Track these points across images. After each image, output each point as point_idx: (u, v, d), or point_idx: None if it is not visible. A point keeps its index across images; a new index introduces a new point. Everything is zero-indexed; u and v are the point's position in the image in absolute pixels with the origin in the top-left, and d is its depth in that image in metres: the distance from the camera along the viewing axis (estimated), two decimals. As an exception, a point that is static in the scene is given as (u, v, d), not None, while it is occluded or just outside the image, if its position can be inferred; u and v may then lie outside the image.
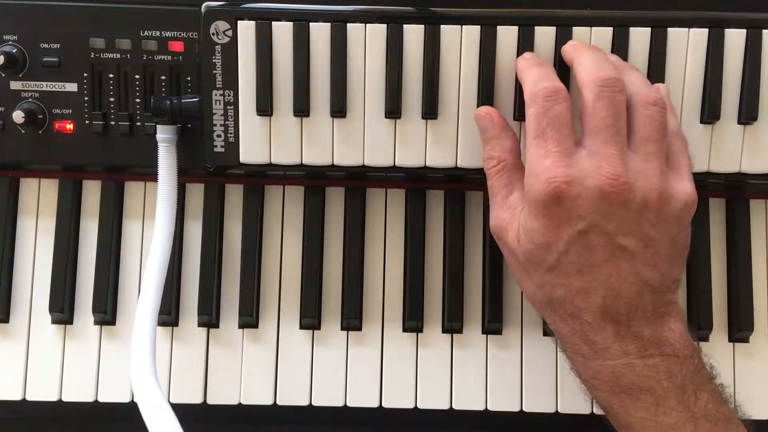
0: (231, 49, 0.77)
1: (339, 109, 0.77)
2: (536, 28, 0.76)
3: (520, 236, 0.69)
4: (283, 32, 0.76)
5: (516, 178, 0.72)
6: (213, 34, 0.76)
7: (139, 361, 0.72)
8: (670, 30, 0.76)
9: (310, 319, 0.83)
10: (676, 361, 0.67)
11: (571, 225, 0.66)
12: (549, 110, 0.67)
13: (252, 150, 0.78)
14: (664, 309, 0.68)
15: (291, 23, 0.76)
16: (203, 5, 0.77)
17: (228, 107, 0.77)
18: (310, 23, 0.76)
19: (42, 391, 0.83)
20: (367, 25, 0.76)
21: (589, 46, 0.73)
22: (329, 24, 0.76)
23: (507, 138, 0.74)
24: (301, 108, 0.77)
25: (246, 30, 0.76)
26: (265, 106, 0.77)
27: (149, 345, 0.73)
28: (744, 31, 0.75)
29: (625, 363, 0.66)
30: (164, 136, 0.78)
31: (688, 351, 0.68)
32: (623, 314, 0.67)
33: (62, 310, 0.83)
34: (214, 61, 0.77)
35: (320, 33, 0.76)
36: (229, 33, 0.77)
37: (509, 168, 0.73)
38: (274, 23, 0.76)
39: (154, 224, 0.78)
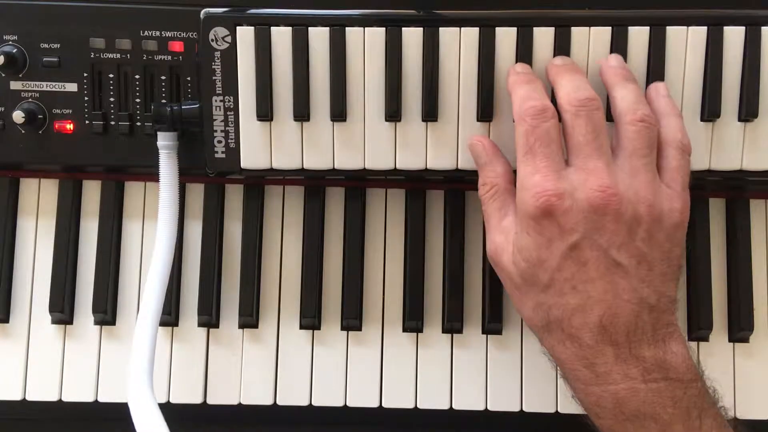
0: (230, 55, 0.77)
1: (339, 113, 0.77)
2: (535, 29, 0.76)
3: (514, 256, 0.69)
4: (282, 37, 0.76)
5: (509, 201, 0.73)
6: (212, 40, 0.77)
7: (135, 377, 0.72)
8: (669, 28, 0.76)
9: (310, 319, 0.82)
10: (681, 386, 0.66)
11: (562, 239, 0.66)
12: (537, 128, 0.68)
13: (253, 155, 0.78)
14: (664, 330, 0.67)
15: (290, 28, 0.76)
16: (202, 12, 0.77)
17: (228, 113, 0.77)
18: (309, 28, 0.76)
19: (42, 391, 0.83)
20: (366, 29, 0.76)
21: (568, 68, 0.74)
22: (328, 28, 0.76)
23: (498, 164, 0.74)
24: (301, 113, 0.77)
25: (245, 36, 0.76)
26: (265, 112, 0.77)
27: (147, 360, 0.73)
28: (743, 28, 0.75)
29: (628, 388, 0.66)
30: (165, 142, 0.78)
31: (692, 375, 0.67)
32: (622, 334, 0.66)
33: (62, 310, 0.83)
34: (213, 67, 0.77)
35: (319, 37, 0.76)
36: (228, 39, 0.77)
37: (501, 192, 0.73)
38: (273, 28, 0.76)
39: (154, 224, 0.78)
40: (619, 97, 0.70)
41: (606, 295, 0.66)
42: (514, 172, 0.73)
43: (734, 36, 0.75)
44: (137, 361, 0.73)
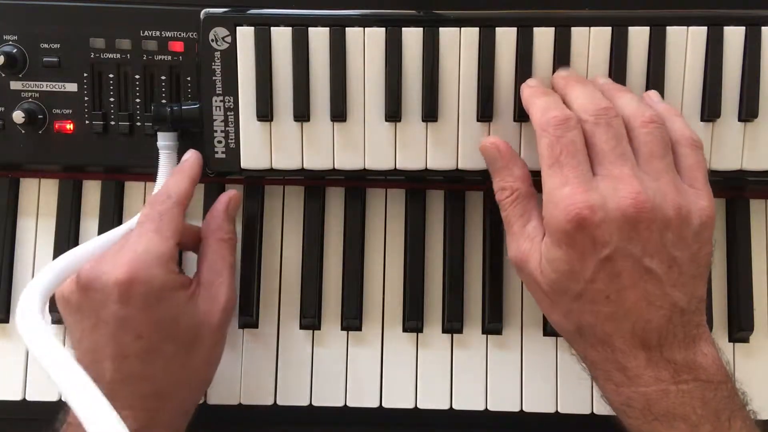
0: (230, 55, 0.77)
1: (339, 113, 0.77)
2: (535, 29, 0.76)
3: (543, 266, 0.68)
4: (282, 38, 0.77)
5: (531, 206, 0.72)
6: (212, 40, 0.77)
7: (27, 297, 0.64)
8: (668, 29, 0.76)
9: (310, 319, 0.82)
10: (710, 387, 0.66)
11: (595, 252, 0.64)
12: (561, 138, 0.66)
13: (253, 156, 0.78)
14: (695, 332, 0.67)
15: (290, 29, 0.76)
16: (202, 12, 0.77)
17: (228, 113, 0.78)
18: (309, 28, 0.76)
19: (42, 391, 0.83)
20: (366, 29, 0.76)
21: (577, 80, 0.73)
22: (328, 29, 0.76)
23: (517, 167, 0.73)
24: (301, 113, 0.77)
25: (245, 36, 0.77)
26: (265, 112, 0.77)
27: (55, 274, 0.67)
28: (743, 28, 0.75)
29: (659, 390, 0.65)
30: (165, 143, 0.78)
31: (722, 376, 0.67)
32: (654, 339, 0.66)
33: (62, 310, 0.83)
34: (213, 67, 0.77)
35: (319, 38, 0.76)
36: (228, 39, 0.77)
37: (523, 196, 0.72)
38: (273, 29, 0.77)
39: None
40: (622, 106, 0.70)
41: (639, 303, 0.65)
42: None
43: (734, 36, 0.76)
44: (36, 282, 0.65)
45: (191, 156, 0.78)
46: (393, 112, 0.77)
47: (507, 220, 0.73)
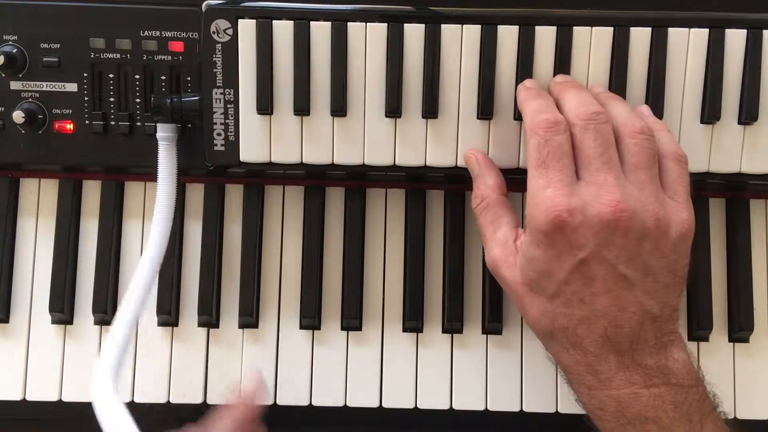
0: (231, 48, 0.77)
1: (339, 108, 0.77)
2: (536, 27, 0.76)
3: (521, 264, 0.70)
4: (283, 31, 0.76)
5: (501, 213, 0.74)
6: (213, 32, 0.76)
7: (100, 377, 0.70)
8: (670, 30, 0.76)
9: (310, 319, 0.82)
10: (681, 391, 0.67)
11: (572, 254, 0.66)
12: (550, 141, 0.68)
13: (252, 148, 0.78)
14: (666, 338, 0.68)
15: (291, 22, 0.76)
16: (204, 4, 0.77)
17: (228, 106, 0.77)
18: (311, 22, 0.76)
19: (42, 391, 0.83)
20: (368, 24, 0.76)
21: (572, 84, 0.74)
22: (330, 23, 0.76)
23: (489, 176, 0.75)
24: (302, 107, 0.77)
25: (246, 28, 0.76)
26: (265, 105, 0.77)
27: (116, 358, 0.71)
28: (744, 31, 0.76)
29: (630, 393, 0.67)
30: (164, 134, 0.78)
31: (693, 380, 0.68)
32: (625, 344, 0.67)
33: (62, 310, 0.83)
34: (214, 59, 0.77)
35: (321, 32, 0.76)
36: (230, 32, 0.77)
37: (492, 204, 0.74)
38: (274, 22, 0.76)
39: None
40: (614, 114, 0.71)
41: (611, 308, 0.66)
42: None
43: (736, 39, 0.76)
44: (104, 359, 0.71)
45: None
46: (393, 108, 0.77)
47: (480, 228, 0.75)
